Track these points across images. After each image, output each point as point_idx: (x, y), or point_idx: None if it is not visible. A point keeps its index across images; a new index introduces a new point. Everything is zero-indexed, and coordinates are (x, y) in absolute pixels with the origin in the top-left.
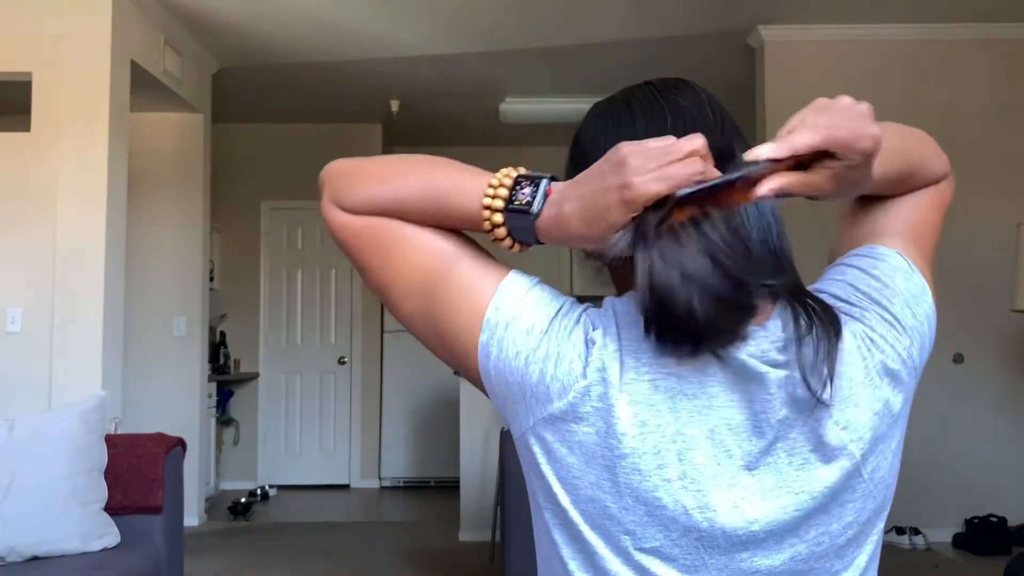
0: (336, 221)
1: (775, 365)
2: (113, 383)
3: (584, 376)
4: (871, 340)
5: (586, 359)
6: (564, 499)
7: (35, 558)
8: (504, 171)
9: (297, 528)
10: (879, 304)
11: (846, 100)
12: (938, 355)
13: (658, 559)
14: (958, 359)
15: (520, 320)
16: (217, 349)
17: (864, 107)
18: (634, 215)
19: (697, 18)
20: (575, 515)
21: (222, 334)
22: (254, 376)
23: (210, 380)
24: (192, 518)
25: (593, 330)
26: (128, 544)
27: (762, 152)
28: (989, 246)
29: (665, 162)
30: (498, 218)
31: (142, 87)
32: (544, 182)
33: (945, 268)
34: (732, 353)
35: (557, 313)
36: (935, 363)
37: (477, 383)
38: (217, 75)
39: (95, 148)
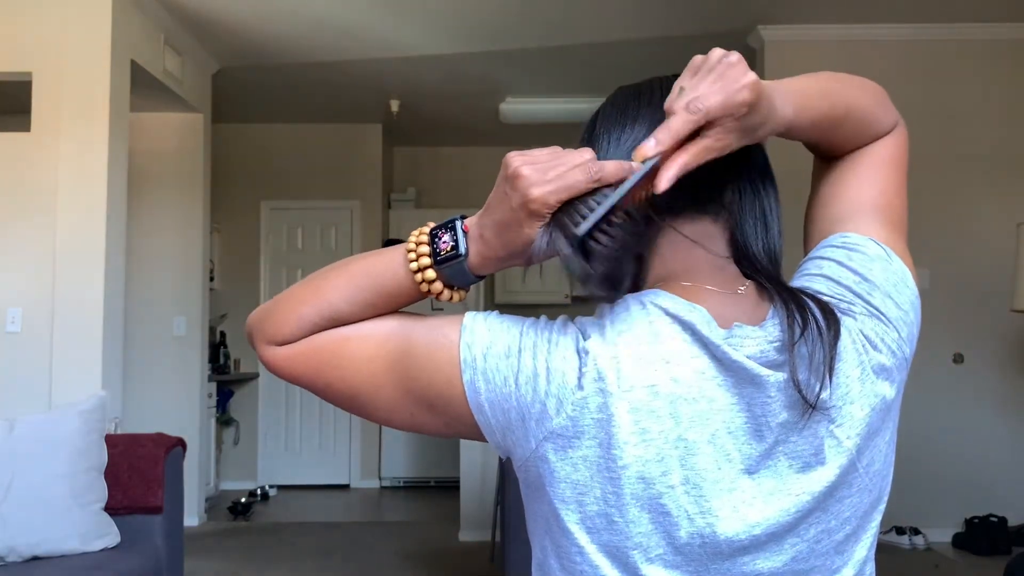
0: (279, 358)
1: (774, 366)
2: (113, 383)
3: (580, 388)
4: (865, 337)
5: (580, 370)
6: (570, 519)
7: (35, 558)
8: (414, 232)
9: (297, 528)
10: (861, 298)
11: (716, 54)
12: (938, 355)
13: (662, 567)
14: (958, 359)
15: (495, 347)
16: (217, 349)
17: (734, 57)
18: (544, 221)
19: (697, 18)
20: (580, 536)
21: (222, 334)
22: (254, 376)
23: (210, 380)
24: (192, 518)
25: (585, 340)
26: (128, 544)
27: (648, 151)
28: (989, 246)
29: (559, 169)
30: (431, 274)
31: (142, 87)
32: (458, 223)
33: (945, 268)
34: (730, 355)
35: (523, 331)
36: (935, 363)
37: (474, 433)
38: (217, 75)
39: (95, 148)
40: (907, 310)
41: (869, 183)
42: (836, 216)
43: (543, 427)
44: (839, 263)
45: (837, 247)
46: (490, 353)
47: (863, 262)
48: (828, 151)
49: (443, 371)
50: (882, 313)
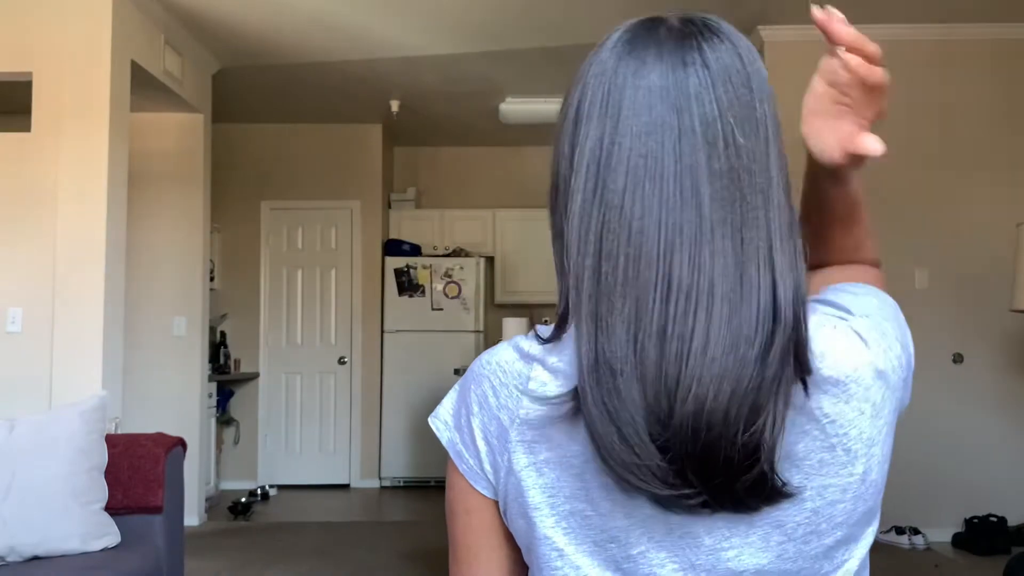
0: None
1: None
2: (113, 383)
3: (528, 392)
4: (863, 341)
5: (528, 377)
6: (545, 523)
7: (35, 558)
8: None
9: (297, 528)
10: (870, 317)
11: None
12: (938, 355)
13: (646, 563)
14: (958, 359)
15: (457, 415)
16: (217, 349)
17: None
18: None
19: None
20: (558, 538)
21: (222, 334)
22: (254, 376)
23: (210, 380)
24: (192, 518)
25: (531, 344)
26: (128, 544)
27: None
28: (989, 246)
29: None
30: None
31: (142, 87)
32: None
33: (945, 268)
34: None
35: (461, 394)
36: (935, 363)
37: (504, 512)
38: (217, 75)
39: (95, 148)
40: (908, 343)
41: (862, 278)
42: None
43: (505, 444)
44: (853, 294)
45: (853, 286)
46: (455, 441)
47: (875, 295)
48: (825, 234)
49: (464, 506)
50: (888, 331)
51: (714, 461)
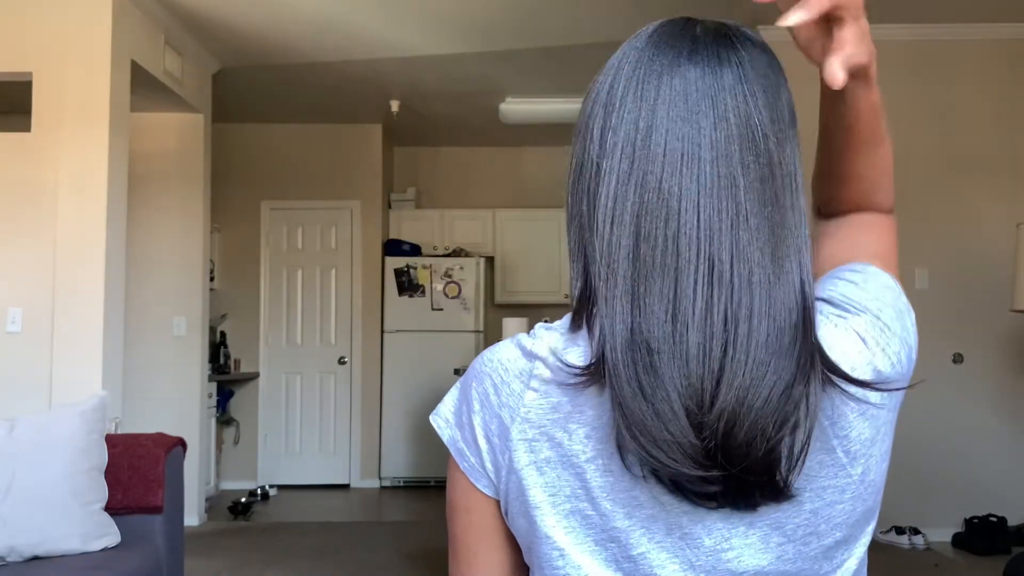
0: None
1: None
2: (113, 383)
3: (530, 389)
4: (862, 340)
5: (530, 374)
6: (546, 523)
7: (35, 558)
8: None
9: (297, 528)
10: (870, 312)
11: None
12: (938, 355)
13: (646, 564)
14: (958, 359)
15: (458, 413)
16: (217, 349)
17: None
18: None
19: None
20: (559, 537)
21: (222, 334)
22: (254, 376)
23: (210, 380)
24: (192, 518)
25: (533, 341)
26: (128, 544)
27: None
28: (989, 246)
29: None
30: None
31: (142, 87)
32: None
33: (945, 268)
34: None
35: (463, 392)
36: (935, 363)
37: (505, 511)
38: (217, 75)
39: (95, 148)
40: (910, 333)
41: (878, 241)
42: (846, 258)
43: (506, 441)
44: (854, 284)
45: (855, 271)
46: (457, 437)
47: (877, 284)
48: (846, 159)
49: (464, 502)
50: (889, 327)
51: (749, 444)
